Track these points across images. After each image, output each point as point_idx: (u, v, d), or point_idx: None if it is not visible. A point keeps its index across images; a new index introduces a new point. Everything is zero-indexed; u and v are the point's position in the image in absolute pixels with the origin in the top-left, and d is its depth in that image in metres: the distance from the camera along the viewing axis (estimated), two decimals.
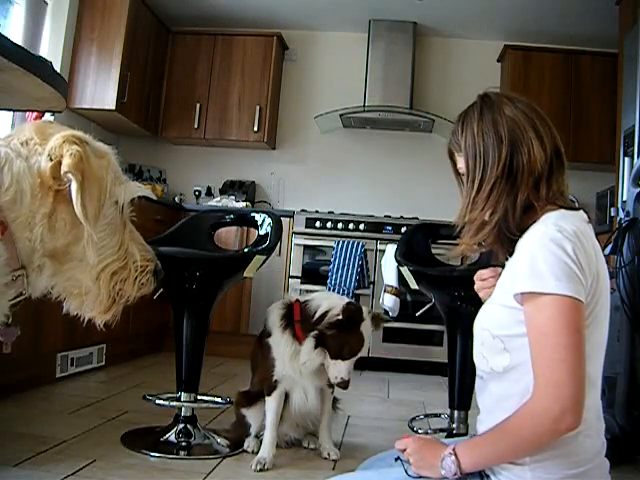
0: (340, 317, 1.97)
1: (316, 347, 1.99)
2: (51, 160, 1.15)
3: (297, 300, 2.11)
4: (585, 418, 1.08)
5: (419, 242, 2.63)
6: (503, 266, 1.30)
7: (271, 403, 2.11)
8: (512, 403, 1.14)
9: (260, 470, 2.00)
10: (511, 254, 1.27)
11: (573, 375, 1.06)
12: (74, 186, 1.14)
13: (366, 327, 2.03)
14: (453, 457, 1.14)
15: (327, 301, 2.04)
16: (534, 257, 1.11)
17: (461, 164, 1.30)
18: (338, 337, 1.97)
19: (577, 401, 1.05)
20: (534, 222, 1.20)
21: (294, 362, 2.05)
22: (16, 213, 1.13)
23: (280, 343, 2.07)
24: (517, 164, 1.21)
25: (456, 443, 1.19)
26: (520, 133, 1.23)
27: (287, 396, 2.15)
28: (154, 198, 1.39)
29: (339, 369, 1.99)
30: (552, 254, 1.10)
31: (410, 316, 4.24)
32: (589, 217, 1.24)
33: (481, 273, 1.38)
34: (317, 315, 2.00)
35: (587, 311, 1.13)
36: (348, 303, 2.01)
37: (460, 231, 1.30)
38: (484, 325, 1.25)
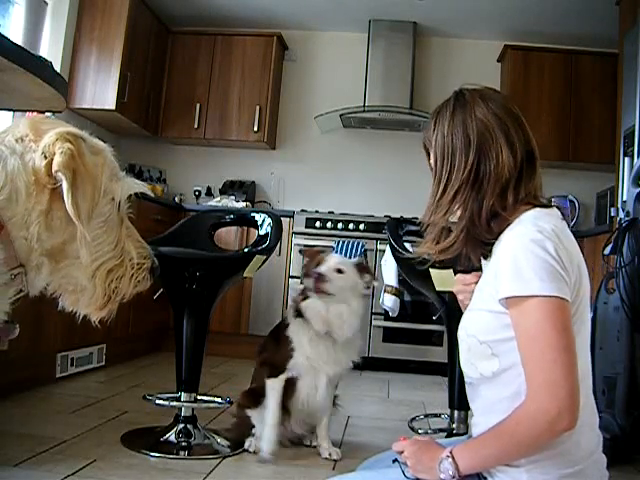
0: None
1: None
2: (45, 158, 1.14)
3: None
4: (579, 416, 1.07)
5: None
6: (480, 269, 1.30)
7: (276, 383, 2.13)
8: (504, 406, 1.14)
9: (254, 452, 2.12)
10: (485, 257, 1.26)
11: (567, 375, 1.05)
12: (64, 185, 1.13)
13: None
14: (450, 460, 1.14)
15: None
16: (516, 260, 1.10)
17: (432, 160, 1.30)
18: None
19: (573, 401, 1.05)
20: (509, 224, 1.19)
21: (314, 345, 2.12)
22: (12, 212, 1.12)
23: (298, 331, 2.14)
24: (484, 170, 1.19)
25: (453, 445, 1.19)
26: (490, 137, 1.20)
27: (295, 390, 2.16)
28: (152, 195, 1.39)
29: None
30: (534, 255, 1.08)
31: (410, 316, 4.24)
32: (562, 214, 1.23)
33: (464, 277, 1.37)
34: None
35: (573, 309, 1.12)
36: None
37: (425, 230, 1.29)
38: (470, 332, 1.24)
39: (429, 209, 1.27)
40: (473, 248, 1.26)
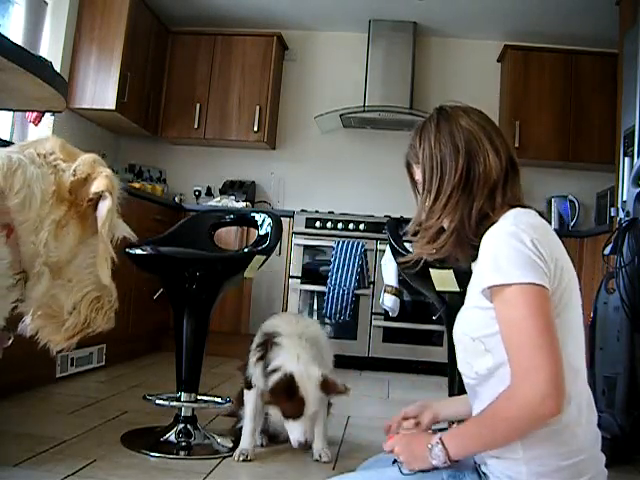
0: (269, 398, 1.92)
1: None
2: (74, 175, 1.18)
3: (270, 336, 2.08)
4: (573, 407, 1.10)
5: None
6: None
7: (249, 395, 2.16)
8: None
9: (243, 461, 2.06)
10: (474, 258, 1.29)
11: (549, 358, 1.07)
12: (107, 205, 1.17)
13: (306, 391, 1.91)
14: (440, 446, 1.17)
15: (281, 368, 1.94)
16: (495, 253, 1.16)
17: (418, 175, 1.34)
18: (278, 404, 1.92)
19: (556, 384, 1.06)
20: (494, 223, 1.24)
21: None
22: (24, 216, 1.13)
23: (252, 369, 2.13)
24: (473, 173, 1.25)
25: (443, 433, 1.21)
26: (476, 143, 1.26)
27: None
28: (135, 239, 1.34)
29: (291, 429, 1.93)
30: (511, 247, 1.14)
31: (410, 316, 4.24)
32: (541, 214, 1.27)
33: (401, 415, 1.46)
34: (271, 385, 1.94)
35: (556, 297, 1.15)
36: (279, 380, 1.91)
37: (414, 236, 1.35)
38: (463, 330, 1.27)
39: (419, 216, 1.32)
40: (462, 250, 1.31)
